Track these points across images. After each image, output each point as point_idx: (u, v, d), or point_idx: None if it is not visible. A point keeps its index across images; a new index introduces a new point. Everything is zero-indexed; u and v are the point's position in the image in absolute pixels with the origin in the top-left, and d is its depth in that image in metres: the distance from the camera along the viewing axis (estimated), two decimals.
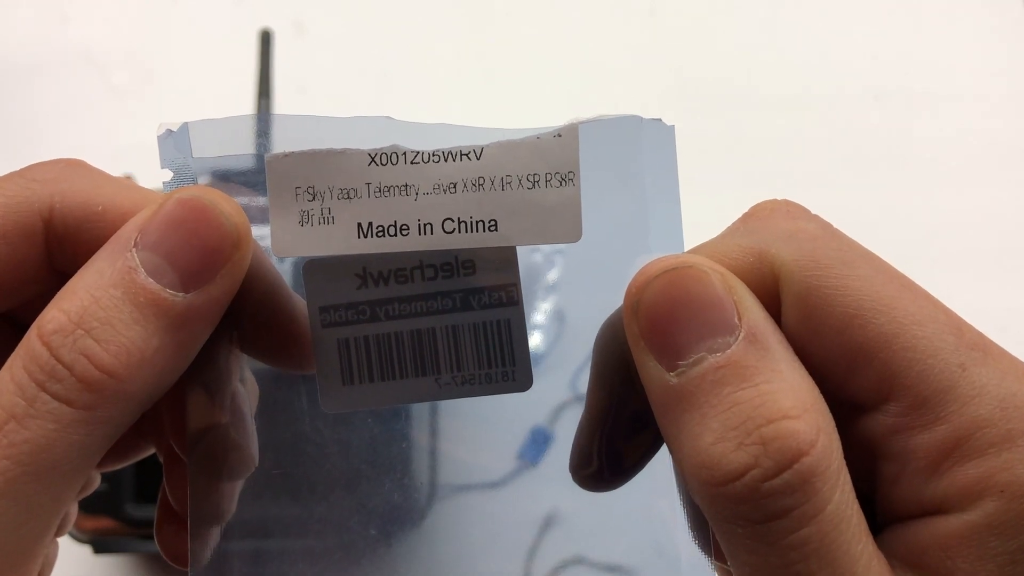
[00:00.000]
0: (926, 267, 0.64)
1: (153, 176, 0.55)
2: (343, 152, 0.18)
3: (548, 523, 0.54)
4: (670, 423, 0.17)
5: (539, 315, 0.58)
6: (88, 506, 0.46)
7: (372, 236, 0.18)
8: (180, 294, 0.17)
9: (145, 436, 0.23)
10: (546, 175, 0.19)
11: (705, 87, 0.68)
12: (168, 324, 0.17)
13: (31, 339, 0.16)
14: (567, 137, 0.19)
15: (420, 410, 0.48)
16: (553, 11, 0.71)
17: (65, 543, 0.47)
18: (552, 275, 0.59)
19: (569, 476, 0.57)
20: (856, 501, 0.15)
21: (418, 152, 0.18)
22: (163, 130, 0.19)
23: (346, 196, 0.18)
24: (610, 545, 0.54)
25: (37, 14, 0.70)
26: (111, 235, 0.17)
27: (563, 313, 0.54)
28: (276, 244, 0.18)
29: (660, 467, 0.58)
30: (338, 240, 0.18)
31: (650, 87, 0.68)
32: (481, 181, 0.19)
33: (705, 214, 0.68)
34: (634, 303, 0.17)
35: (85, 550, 0.47)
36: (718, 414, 0.15)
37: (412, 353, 0.20)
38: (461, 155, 0.19)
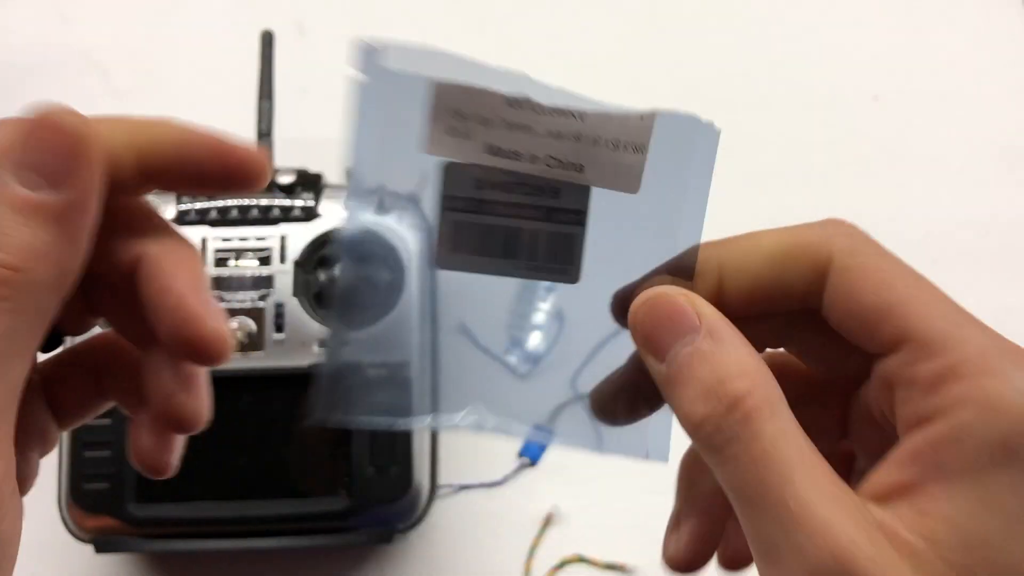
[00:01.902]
0: (925, 266, 0.64)
1: None
2: (490, 91, 0.25)
3: (549, 521, 0.54)
4: (668, 396, 0.23)
5: (539, 315, 0.59)
6: (89, 505, 0.46)
7: (496, 155, 0.25)
8: (52, 193, 0.20)
9: (105, 394, 0.26)
10: (625, 143, 0.25)
11: (704, 88, 0.68)
12: (49, 218, 0.20)
13: None
14: (647, 120, 0.25)
15: (421, 408, 0.48)
16: (553, 12, 0.71)
17: (67, 542, 0.47)
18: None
19: (569, 475, 0.58)
20: (800, 432, 0.21)
21: (542, 105, 0.25)
22: (363, 44, 0.24)
23: (484, 123, 0.25)
24: (610, 543, 0.54)
25: (38, 14, 0.70)
26: None
27: (563, 313, 0.55)
28: (431, 146, 0.24)
29: (658, 467, 0.58)
30: (471, 152, 0.25)
31: (650, 88, 0.68)
32: (579, 136, 0.25)
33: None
34: (632, 325, 0.24)
35: (87, 549, 0.47)
36: (692, 384, 0.22)
37: (504, 242, 0.26)
38: (570, 114, 0.25)
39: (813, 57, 0.69)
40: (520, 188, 0.25)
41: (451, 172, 0.25)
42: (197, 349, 0.23)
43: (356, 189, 0.26)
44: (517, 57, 0.69)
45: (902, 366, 0.22)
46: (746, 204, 0.64)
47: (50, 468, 0.47)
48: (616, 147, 0.25)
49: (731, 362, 0.22)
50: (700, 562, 0.27)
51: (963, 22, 0.71)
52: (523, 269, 0.26)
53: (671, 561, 0.28)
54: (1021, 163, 0.66)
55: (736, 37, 0.70)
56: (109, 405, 0.27)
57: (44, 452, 0.25)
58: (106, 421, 0.46)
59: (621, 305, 0.25)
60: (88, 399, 0.26)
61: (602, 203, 0.25)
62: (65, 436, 0.47)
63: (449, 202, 0.25)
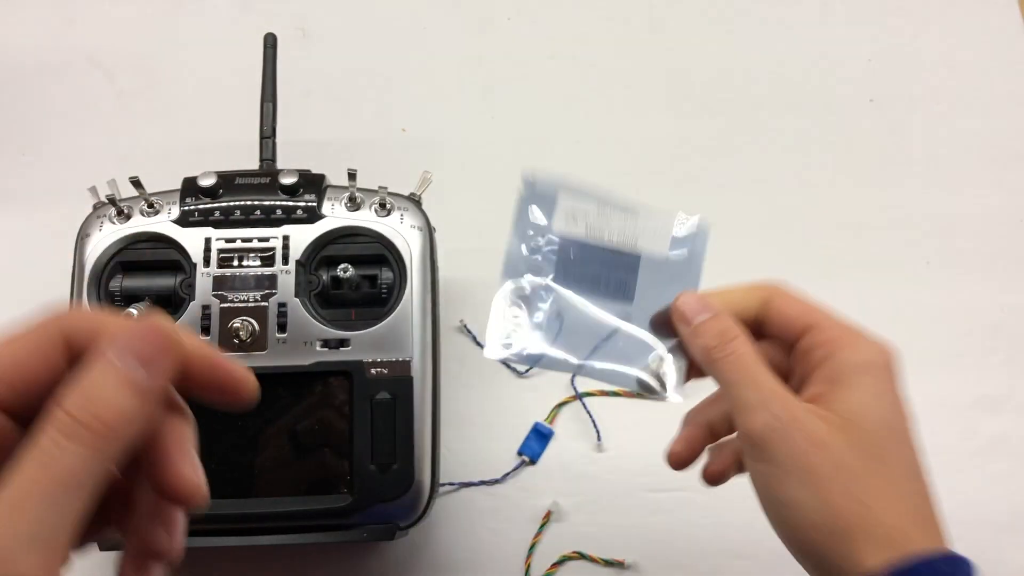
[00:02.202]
0: (920, 266, 0.65)
1: (156, 176, 0.56)
2: (590, 198, 0.45)
3: (548, 518, 0.55)
4: (689, 342, 0.41)
5: (539, 315, 0.59)
6: None
7: (590, 232, 0.45)
8: (144, 376, 0.28)
9: (108, 522, 0.31)
10: (660, 229, 0.45)
11: (704, 91, 0.69)
12: (138, 393, 0.27)
13: (56, 411, 0.26)
14: (671, 217, 0.45)
15: (423, 406, 0.49)
16: (553, 14, 0.72)
17: None
18: (552, 278, 0.61)
19: (568, 473, 0.59)
20: (761, 358, 0.39)
21: (616, 206, 0.45)
22: (528, 174, 0.45)
23: (585, 214, 0.45)
24: (609, 540, 0.54)
25: (43, 17, 0.71)
26: (100, 344, 0.28)
27: (562, 314, 0.56)
28: (556, 225, 0.45)
29: (657, 467, 0.59)
30: (578, 230, 0.45)
31: (651, 92, 0.69)
32: (636, 224, 0.45)
33: (703, 211, 0.69)
34: (674, 308, 0.42)
35: (91, 546, 0.47)
36: (704, 335, 0.40)
37: (590, 279, 0.45)
38: (632, 212, 0.45)
39: (811, 61, 0.70)
40: (602, 252, 0.45)
41: (565, 240, 0.45)
42: (178, 497, 0.29)
43: (514, 249, 0.46)
44: (517, 58, 0.70)
45: (810, 339, 0.39)
46: (741, 205, 0.65)
47: None
48: (655, 232, 0.45)
49: (729, 322, 0.40)
50: (688, 461, 0.43)
51: (959, 26, 0.71)
52: (601, 294, 0.45)
53: (670, 456, 0.43)
54: (1015, 164, 0.66)
55: (735, 41, 0.71)
56: (112, 532, 0.31)
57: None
58: None
59: (656, 320, 0.43)
60: (95, 526, 0.30)
61: (647, 262, 0.45)
62: None
63: (562, 253, 0.45)
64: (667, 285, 0.43)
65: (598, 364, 0.45)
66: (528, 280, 0.46)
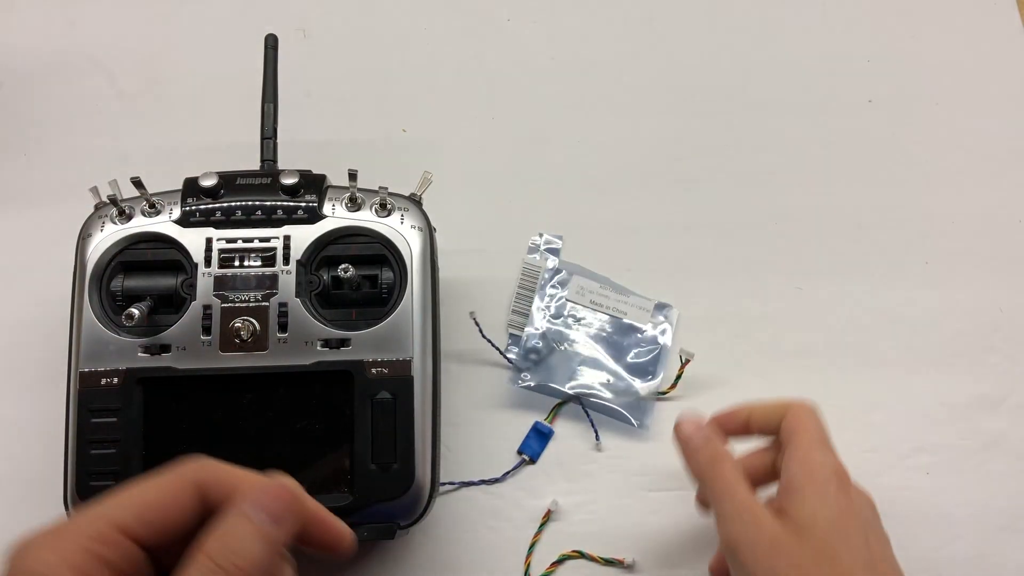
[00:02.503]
0: (918, 267, 0.65)
1: (157, 176, 0.56)
2: (593, 282, 0.61)
3: (548, 517, 0.55)
4: (686, 462, 0.48)
5: (539, 315, 0.59)
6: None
7: (593, 304, 0.61)
8: (273, 527, 0.33)
9: None
10: (642, 306, 0.61)
11: (704, 92, 0.69)
12: (269, 543, 0.32)
13: (200, 557, 0.31)
14: (651, 302, 0.61)
15: (423, 406, 0.49)
16: (553, 17, 0.72)
17: None
18: (552, 279, 0.61)
19: (568, 472, 0.59)
20: (743, 476, 0.45)
21: (614, 287, 0.62)
22: (537, 236, 0.63)
23: (591, 291, 0.61)
24: (609, 539, 0.55)
25: (45, 18, 0.71)
26: (235, 498, 0.33)
27: (571, 358, 0.56)
28: (569, 296, 0.61)
29: (656, 467, 0.59)
30: (585, 302, 0.61)
31: (651, 92, 0.69)
32: (626, 302, 0.61)
33: (704, 211, 0.68)
34: (676, 430, 0.49)
35: None
36: (698, 461, 0.47)
37: (593, 334, 0.60)
38: (623, 292, 0.62)
39: (810, 61, 0.70)
40: (599, 318, 0.60)
41: (574, 306, 0.61)
42: None
43: (536, 307, 0.60)
44: (517, 59, 0.70)
45: (785, 450, 0.46)
46: (739, 205, 0.65)
47: (57, 465, 0.47)
48: (640, 308, 0.61)
49: (718, 448, 0.47)
50: (724, 572, 0.48)
51: (958, 26, 0.71)
52: (600, 345, 0.60)
53: (710, 571, 0.52)
54: (1014, 164, 0.66)
55: (735, 41, 0.71)
56: None
57: None
58: (112, 419, 0.47)
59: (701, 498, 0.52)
60: None
61: (631, 328, 0.60)
62: (71, 434, 0.48)
63: (572, 317, 0.60)
64: (645, 345, 0.60)
65: (593, 398, 0.58)
66: (546, 328, 0.59)
